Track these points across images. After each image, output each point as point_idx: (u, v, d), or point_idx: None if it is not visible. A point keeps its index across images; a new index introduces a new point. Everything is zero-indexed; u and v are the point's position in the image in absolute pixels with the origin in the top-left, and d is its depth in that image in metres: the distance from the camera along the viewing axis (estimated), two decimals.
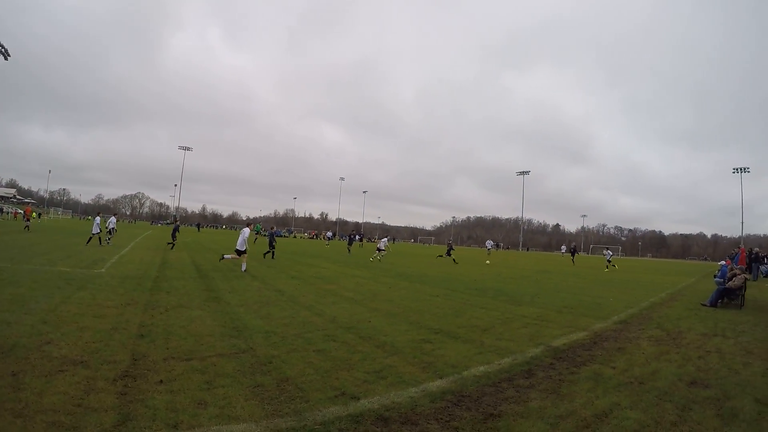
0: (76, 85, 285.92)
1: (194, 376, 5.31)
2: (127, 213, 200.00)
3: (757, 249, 32.06)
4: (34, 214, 63.67)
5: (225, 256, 19.12)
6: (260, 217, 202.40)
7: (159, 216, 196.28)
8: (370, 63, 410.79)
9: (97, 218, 27.53)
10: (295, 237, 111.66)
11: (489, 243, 62.51)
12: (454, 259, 32.72)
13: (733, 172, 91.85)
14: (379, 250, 31.26)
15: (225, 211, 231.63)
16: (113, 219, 31.27)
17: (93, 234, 26.35)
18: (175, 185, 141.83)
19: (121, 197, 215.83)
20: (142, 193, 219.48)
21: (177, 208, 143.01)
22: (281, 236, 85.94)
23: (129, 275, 13.93)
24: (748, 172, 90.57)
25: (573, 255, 43.14)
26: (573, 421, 4.66)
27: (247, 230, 19.29)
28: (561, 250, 75.22)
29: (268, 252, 25.41)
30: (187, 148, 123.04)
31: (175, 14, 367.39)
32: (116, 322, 7.71)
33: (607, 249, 40.82)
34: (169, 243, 29.14)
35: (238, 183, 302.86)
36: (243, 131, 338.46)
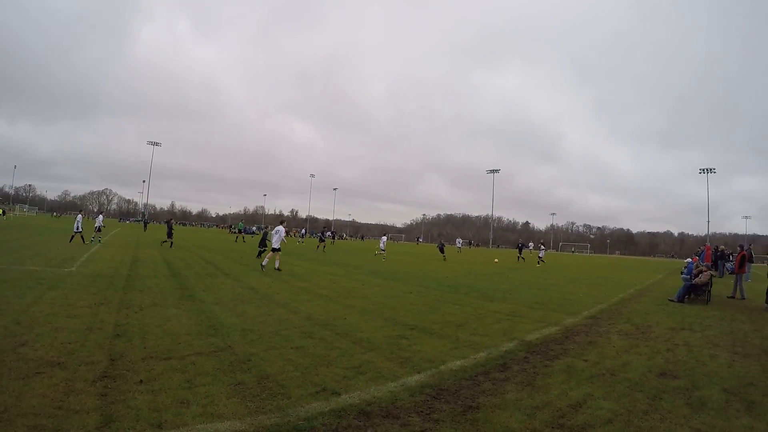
0: (40, 77, 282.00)
1: (174, 375, 5.27)
2: (95, 210, 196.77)
3: (723, 247, 32.84)
4: None
5: (263, 262, 18.82)
6: (230, 214, 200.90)
7: (127, 213, 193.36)
8: (340, 58, 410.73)
9: (79, 216, 27.76)
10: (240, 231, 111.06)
11: (459, 241, 63.20)
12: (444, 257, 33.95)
13: (700, 173, 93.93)
14: (382, 250, 31.21)
15: (194, 208, 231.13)
16: (101, 217, 32.60)
17: (75, 232, 26.57)
18: (144, 181, 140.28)
19: (89, 193, 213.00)
20: (110, 190, 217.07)
21: (145, 205, 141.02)
22: (252, 234, 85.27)
23: (101, 274, 13.73)
24: (714, 172, 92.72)
25: (520, 251, 41.94)
26: (549, 411, 4.77)
27: (282, 229, 19.62)
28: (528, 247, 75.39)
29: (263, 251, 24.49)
30: (156, 144, 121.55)
31: (145, 5, 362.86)
32: (91, 322, 7.60)
33: (541, 245, 40.85)
34: (164, 242, 29.19)
35: (207, 179, 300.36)
36: (212, 126, 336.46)
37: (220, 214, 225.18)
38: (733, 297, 17.62)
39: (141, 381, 4.99)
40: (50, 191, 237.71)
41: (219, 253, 27.20)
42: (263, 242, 25.35)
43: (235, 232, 63.80)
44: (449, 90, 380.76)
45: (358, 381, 5.42)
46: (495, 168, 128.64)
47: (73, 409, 4.18)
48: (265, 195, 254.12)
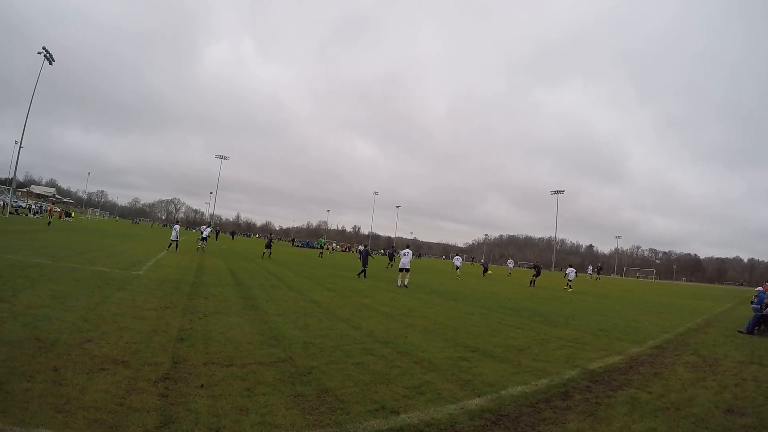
0: (113, 91, 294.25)
1: (235, 382, 5.43)
2: (163, 217, 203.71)
3: None
4: (60, 211, 66.52)
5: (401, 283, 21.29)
6: (293, 228, 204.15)
7: (194, 222, 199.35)
8: (398, 76, 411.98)
9: (176, 226, 30.80)
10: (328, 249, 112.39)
11: (510, 262, 62.87)
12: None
13: None
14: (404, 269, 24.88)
15: (258, 220, 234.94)
16: (209, 229, 36.26)
17: (172, 240, 29.85)
18: (211, 193, 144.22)
19: (158, 202, 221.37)
20: (178, 199, 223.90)
21: (212, 215, 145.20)
22: (312, 247, 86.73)
23: (167, 279, 14.34)
24: None
25: (536, 275, 34.93)
26: None
27: (410, 252, 22.99)
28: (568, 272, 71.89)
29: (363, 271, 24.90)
30: (224, 157, 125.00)
31: (212, 26, 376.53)
32: (156, 325, 7.95)
33: (570, 267, 37.48)
34: (264, 253, 32.05)
35: (271, 193, 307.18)
36: (276, 142, 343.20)
37: (284, 227, 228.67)
38: None
39: (202, 385, 5.17)
40: (121, 198, 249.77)
41: (283, 265, 27.74)
42: (366, 260, 25.52)
43: (317, 248, 66.22)
44: (508, 108, 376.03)
45: (417, 401, 5.45)
46: (559, 189, 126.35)
47: (133, 407, 4.38)
48: (328, 210, 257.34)
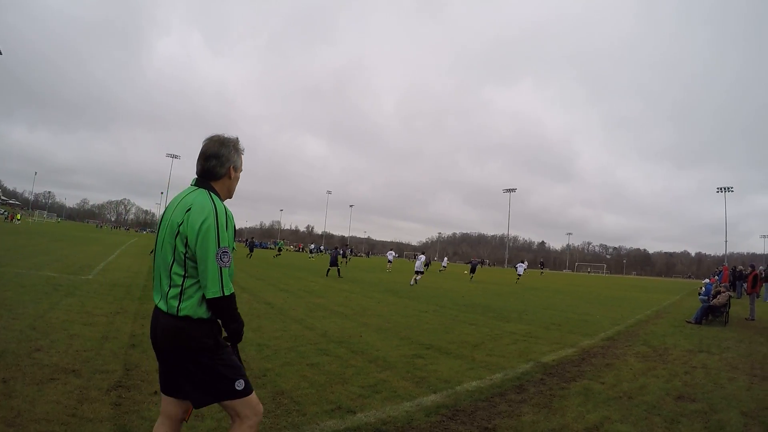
0: (59, 86, 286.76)
1: None
2: (112, 219, 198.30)
3: (741, 267, 32.47)
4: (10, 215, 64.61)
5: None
6: (245, 228, 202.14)
7: (145, 223, 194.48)
8: (350, 72, 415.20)
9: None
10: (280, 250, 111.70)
11: (445, 260, 64.14)
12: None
13: (717, 191, 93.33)
14: (417, 272, 26.34)
15: None
16: None
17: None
18: (162, 193, 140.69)
19: (107, 203, 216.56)
20: (128, 200, 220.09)
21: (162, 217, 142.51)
22: (267, 248, 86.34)
23: (117, 283, 13.93)
24: (732, 191, 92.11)
25: (472, 271, 38.30)
26: None
27: (423, 257, 26.89)
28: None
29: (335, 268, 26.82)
30: (175, 156, 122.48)
31: (161, 18, 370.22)
32: (107, 331, 7.69)
33: (522, 262, 42.12)
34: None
35: None
36: None
37: (236, 228, 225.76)
38: (753, 319, 17.45)
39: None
40: (69, 199, 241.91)
41: (235, 266, 27.04)
42: (334, 261, 26.85)
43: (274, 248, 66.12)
44: (460, 105, 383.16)
45: (373, 400, 5.41)
46: (511, 187, 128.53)
47: (86, 418, 4.21)
48: (281, 210, 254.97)
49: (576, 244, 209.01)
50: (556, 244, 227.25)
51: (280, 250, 59.94)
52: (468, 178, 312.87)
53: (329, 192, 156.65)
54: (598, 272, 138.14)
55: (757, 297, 20.66)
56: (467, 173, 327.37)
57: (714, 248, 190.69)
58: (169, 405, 2.80)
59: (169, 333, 2.56)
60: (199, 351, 2.57)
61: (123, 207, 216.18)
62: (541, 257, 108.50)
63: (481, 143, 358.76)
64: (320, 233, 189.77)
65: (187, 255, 2.53)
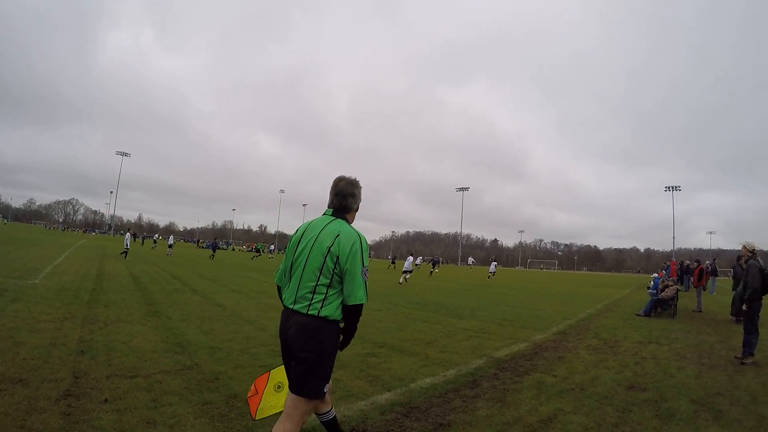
0: (4, 78, 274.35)
1: (140, 394, 5.13)
2: (60, 220, 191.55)
3: (688, 261, 33.51)
4: None
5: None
6: (198, 228, 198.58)
7: (94, 224, 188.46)
8: (304, 71, 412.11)
9: (127, 235, 32.88)
10: (233, 250, 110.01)
11: (423, 259, 65.08)
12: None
13: (665, 190, 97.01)
14: (405, 271, 28.24)
15: (161, 221, 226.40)
16: (172, 237, 38.91)
17: (126, 249, 31.49)
18: (111, 192, 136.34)
19: (55, 203, 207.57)
20: (76, 200, 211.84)
21: (113, 217, 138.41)
22: (220, 248, 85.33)
23: (65, 287, 13.44)
24: (680, 190, 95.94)
25: (434, 266, 45.27)
26: (519, 427, 4.80)
27: (410, 258, 30.13)
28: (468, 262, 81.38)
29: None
30: (125, 154, 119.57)
31: (112, 10, 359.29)
32: (54, 337, 7.39)
33: (494, 261, 46.00)
34: (211, 256, 31.63)
35: (174, 192, 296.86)
36: (179, 138, 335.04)
37: (188, 227, 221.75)
38: (700, 311, 18.05)
39: (106, 400, 4.84)
40: (15, 199, 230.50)
41: (187, 268, 26.83)
42: (214, 250, 26.94)
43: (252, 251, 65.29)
44: (413, 105, 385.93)
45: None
46: (464, 186, 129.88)
47: (35, 429, 4.04)
48: (234, 209, 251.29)
49: (528, 242, 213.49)
50: (508, 241, 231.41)
51: (258, 251, 59.12)
52: (421, 178, 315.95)
53: (282, 191, 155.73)
54: (551, 268, 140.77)
55: (704, 290, 21.44)
56: (421, 172, 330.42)
57: (662, 244, 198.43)
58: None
59: (307, 330, 3.24)
60: (326, 347, 3.26)
61: (71, 207, 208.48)
62: (493, 255, 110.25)
63: (435, 143, 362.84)
64: (273, 233, 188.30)
65: (335, 270, 3.25)
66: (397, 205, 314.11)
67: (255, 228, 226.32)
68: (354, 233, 3.37)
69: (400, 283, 26.49)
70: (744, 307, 8.97)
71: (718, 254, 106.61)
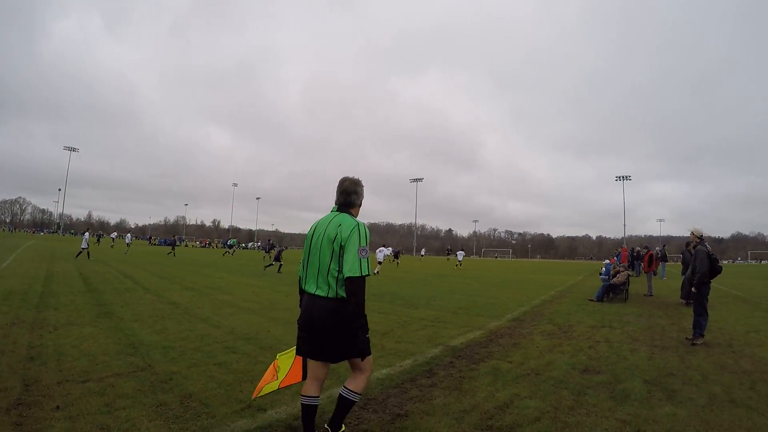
0: None
1: (92, 399, 4.93)
2: (7, 220, 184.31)
3: (638, 248, 34.36)
4: None
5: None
6: (150, 225, 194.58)
7: (42, 223, 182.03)
8: (256, 61, 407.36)
9: (86, 234, 32.03)
10: (186, 246, 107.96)
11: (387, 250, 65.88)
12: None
13: (616, 180, 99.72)
14: (379, 263, 32.10)
15: (112, 219, 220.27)
16: (129, 235, 39.16)
17: (82, 249, 30.50)
18: (59, 189, 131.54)
19: (0, 202, 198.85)
20: (23, 198, 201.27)
21: (62, 215, 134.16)
22: (171, 244, 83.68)
23: (12, 290, 12.89)
24: (630, 179, 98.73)
25: (396, 257, 47.64)
26: (477, 414, 4.82)
27: (384, 249, 32.96)
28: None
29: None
30: (73, 149, 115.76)
31: None
32: (2, 345, 7.05)
33: (461, 251, 48.17)
34: (268, 266, 30.27)
35: (125, 188, 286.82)
36: (128, 132, 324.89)
37: (140, 224, 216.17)
38: (650, 295, 18.54)
39: (58, 407, 4.63)
40: None
41: (139, 266, 26.07)
42: (278, 257, 27.91)
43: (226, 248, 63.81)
44: (366, 96, 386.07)
45: (283, 395, 5.24)
46: (418, 177, 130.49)
47: None
48: (186, 205, 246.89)
49: (482, 231, 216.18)
50: (463, 231, 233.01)
51: (231, 247, 58.16)
52: (375, 169, 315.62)
53: (235, 184, 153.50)
54: (505, 257, 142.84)
55: (654, 275, 22.05)
56: (374, 163, 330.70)
57: (613, 232, 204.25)
58: (317, 369, 4.00)
59: (331, 311, 3.73)
60: (353, 321, 3.68)
61: (18, 207, 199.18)
62: (448, 244, 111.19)
63: (389, 134, 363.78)
64: (227, 227, 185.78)
65: (340, 254, 3.72)
66: None
67: (208, 223, 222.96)
68: (354, 221, 3.87)
69: (376, 273, 28.65)
70: (693, 291, 9.21)
71: (667, 241, 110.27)
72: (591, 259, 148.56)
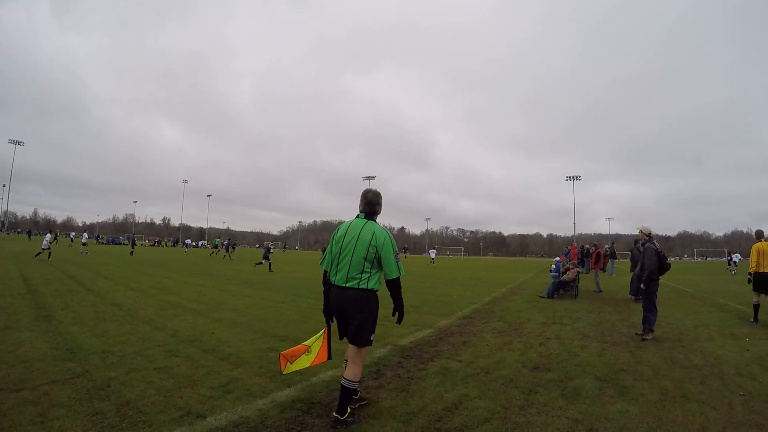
0: None
1: (26, 408, 4.65)
2: None
3: (588, 245, 35.03)
4: None
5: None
6: (98, 222, 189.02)
7: None
8: (207, 55, 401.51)
9: (48, 235, 31.88)
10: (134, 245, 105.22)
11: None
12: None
13: (567, 180, 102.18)
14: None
15: (59, 216, 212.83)
16: (86, 234, 38.18)
17: (43, 249, 30.22)
18: (3, 186, 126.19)
19: None
20: None
21: (5, 213, 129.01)
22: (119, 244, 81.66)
23: None
24: (580, 179, 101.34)
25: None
26: (425, 416, 4.70)
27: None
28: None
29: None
30: (18, 143, 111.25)
31: None
32: None
33: (433, 249, 50.18)
34: (258, 263, 31.01)
35: (72, 184, 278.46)
36: (76, 125, 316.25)
37: (87, 222, 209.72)
38: (600, 291, 18.85)
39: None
40: None
41: (85, 267, 24.95)
42: (267, 256, 28.74)
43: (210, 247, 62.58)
44: (318, 93, 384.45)
45: (224, 401, 5.06)
46: (371, 175, 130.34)
47: None
48: (135, 202, 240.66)
49: (435, 229, 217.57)
50: (415, 229, 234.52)
51: (215, 247, 57.01)
52: (328, 166, 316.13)
53: (185, 181, 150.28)
54: (457, 255, 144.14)
55: (603, 271, 22.47)
56: (327, 161, 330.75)
57: (564, 230, 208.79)
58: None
59: (359, 299, 4.64)
60: (372, 310, 4.72)
61: None
62: (405, 244, 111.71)
63: (341, 131, 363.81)
64: (177, 225, 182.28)
65: (375, 257, 4.67)
66: (303, 194, 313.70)
67: (158, 221, 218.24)
68: (384, 231, 4.82)
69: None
70: (642, 287, 9.30)
71: (616, 239, 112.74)
72: (542, 256, 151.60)
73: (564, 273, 17.07)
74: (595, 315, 12.13)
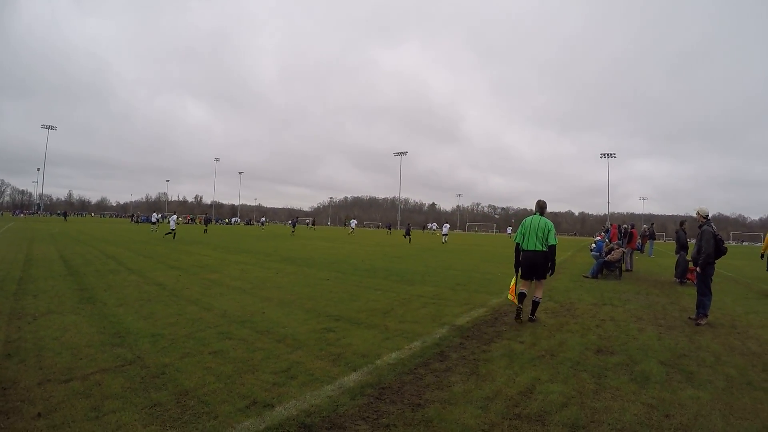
0: None
1: (78, 401, 4.43)
2: None
3: (626, 225, 34.54)
4: None
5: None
6: (131, 202, 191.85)
7: (22, 205, 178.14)
8: (230, 31, 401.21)
9: (173, 216, 35.90)
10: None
11: (353, 222, 68.15)
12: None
13: (601, 157, 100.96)
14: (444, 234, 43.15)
15: (93, 197, 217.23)
16: (174, 217, 38.10)
17: (172, 229, 34.70)
18: (38, 170, 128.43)
19: None
20: (2, 180, 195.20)
21: (41, 196, 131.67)
22: (151, 221, 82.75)
23: None
24: (615, 157, 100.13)
25: (407, 234, 47.20)
26: (501, 401, 4.65)
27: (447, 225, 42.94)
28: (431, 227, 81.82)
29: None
30: (51, 127, 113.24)
31: None
32: None
33: (446, 224, 46.74)
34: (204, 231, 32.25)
35: (104, 166, 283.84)
36: (104, 108, 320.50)
37: (121, 202, 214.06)
38: (629, 270, 18.87)
39: (39, 414, 4.12)
40: None
41: (122, 245, 25.33)
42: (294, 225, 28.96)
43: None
44: (344, 68, 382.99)
45: (290, 387, 4.89)
46: (402, 150, 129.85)
47: None
48: (168, 180, 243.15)
49: (466, 205, 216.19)
50: (446, 205, 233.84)
51: (294, 225, 57.80)
52: (356, 141, 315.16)
53: (217, 159, 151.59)
54: (488, 231, 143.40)
55: (641, 252, 22.19)
56: (355, 136, 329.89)
57: (596, 208, 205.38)
58: (529, 284, 8.79)
59: (543, 255, 8.53)
60: (549, 259, 8.58)
61: None
62: (432, 219, 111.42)
63: (368, 105, 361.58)
64: (209, 203, 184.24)
65: (545, 233, 8.58)
66: (332, 170, 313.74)
67: (191, 199, 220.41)
68: (549, 222, 8.67)
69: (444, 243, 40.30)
70: (698, 271, 9.12)
71: (649, 219, 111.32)
72: (575, 234, 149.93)
73: (608, 253, 16.88)
74: (643, 297, 12.00)
